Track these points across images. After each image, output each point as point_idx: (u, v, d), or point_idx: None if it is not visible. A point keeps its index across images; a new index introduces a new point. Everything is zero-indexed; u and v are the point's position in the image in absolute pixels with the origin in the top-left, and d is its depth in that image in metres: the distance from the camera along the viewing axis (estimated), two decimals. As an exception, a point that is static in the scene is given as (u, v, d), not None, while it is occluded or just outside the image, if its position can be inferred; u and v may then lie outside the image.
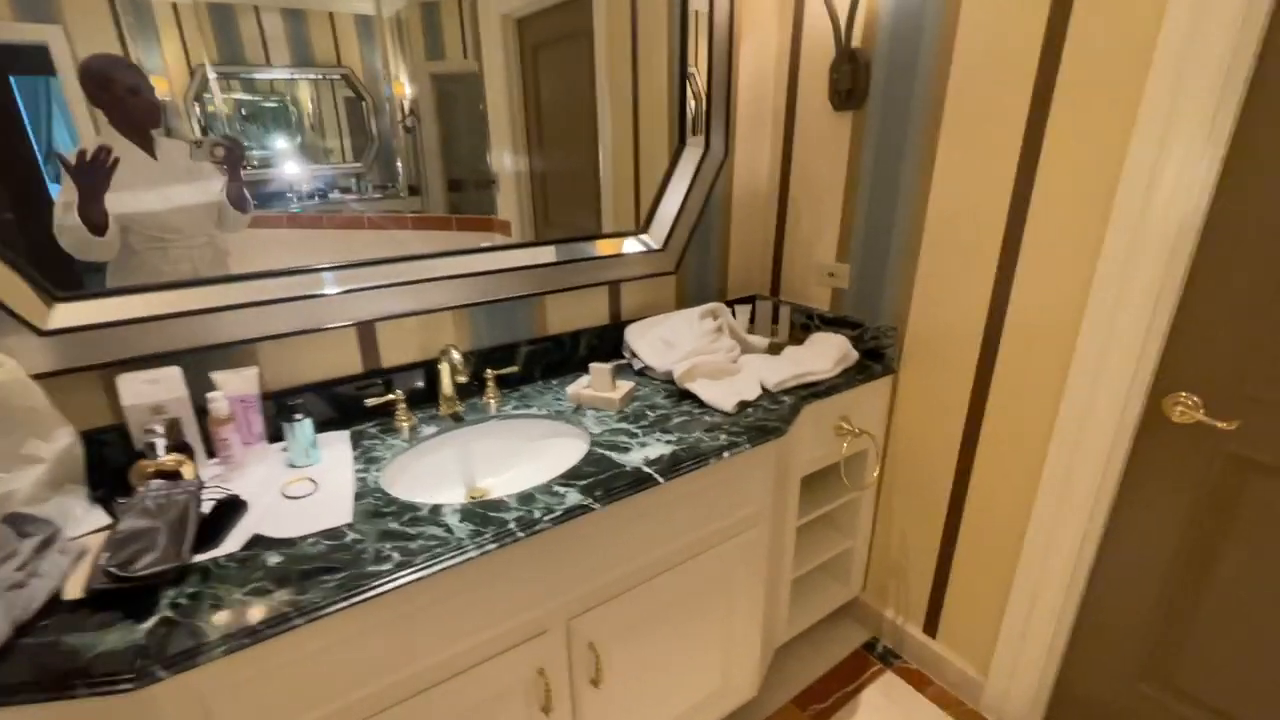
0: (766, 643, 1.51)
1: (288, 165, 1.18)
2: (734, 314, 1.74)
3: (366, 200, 1.27)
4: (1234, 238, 1.05)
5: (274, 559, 0.85)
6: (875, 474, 1.57)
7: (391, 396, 1.25)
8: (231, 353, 1.14)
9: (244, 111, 1.12)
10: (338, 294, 1.20)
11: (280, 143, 1.16)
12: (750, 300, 1.78)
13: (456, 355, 1.22)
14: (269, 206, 1.18)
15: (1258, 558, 1.12)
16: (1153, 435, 1.20)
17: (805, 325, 1.78)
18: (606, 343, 1.61)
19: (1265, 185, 1.01)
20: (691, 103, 1.58)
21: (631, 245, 1.60)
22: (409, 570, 0.83)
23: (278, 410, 1.16)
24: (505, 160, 1.43)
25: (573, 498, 0.99)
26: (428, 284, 1.30)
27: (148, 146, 1.04)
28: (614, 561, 1.09)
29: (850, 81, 1.49)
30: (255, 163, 1.15)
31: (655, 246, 1.60)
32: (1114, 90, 1.09)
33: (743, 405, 1.32)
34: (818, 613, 1.73)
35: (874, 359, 1.60)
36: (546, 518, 0.94)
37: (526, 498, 1.00)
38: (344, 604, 0.78)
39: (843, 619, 1.86)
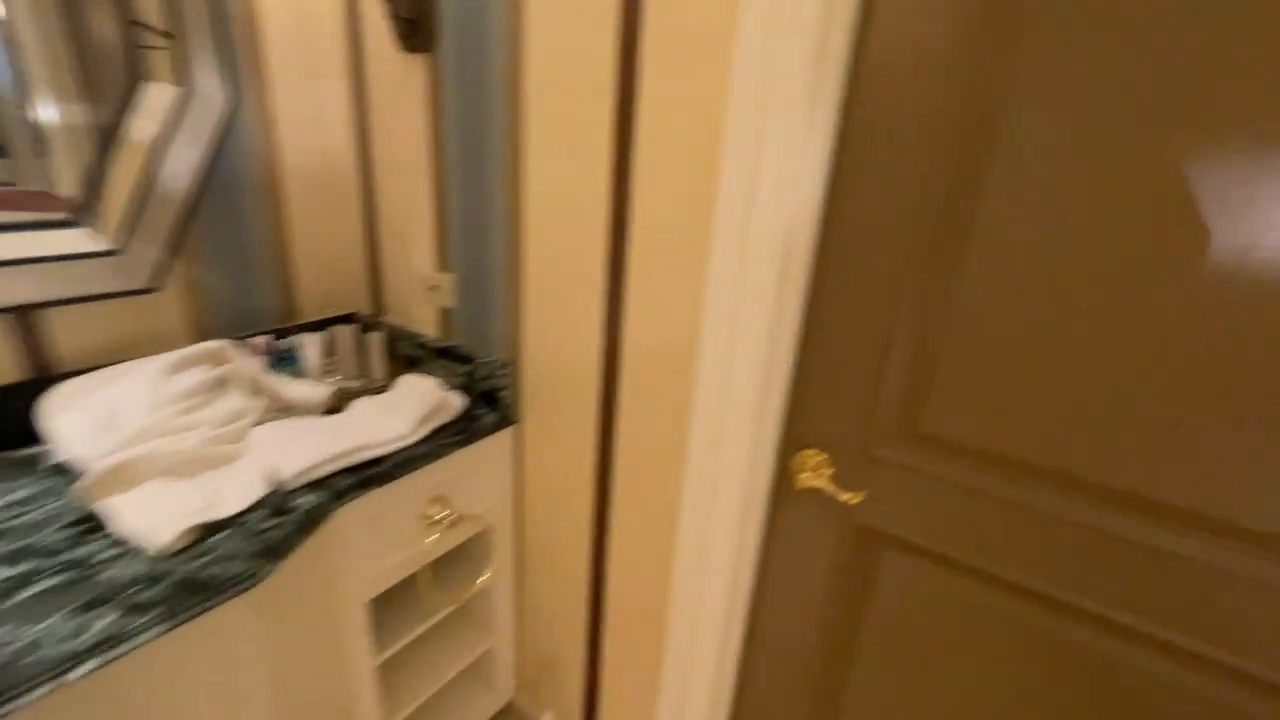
0: None
1: None
2: (290, 349, 1.17)
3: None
4: (851, 252, 0.80)
5: None
6: (487, 576, 1.15)
7: None
8: None
9: None
10: None
11: None
12: (321, 327, 1.23)
13: None
14: None
15: (894, 645, 0.93)
16: (785, 501, 0.95)
17: (414, 359, 1.29)
18: (18, 412, 0.93)
19: (872, 187, 0.76)
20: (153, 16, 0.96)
21: (70, 243, 0.94)
22: None
23: None
24: (51, 111, 0.90)
25: None
26: None
27: None
28: None
29: (412, 7, 1.01)
30: None
31: (105, 247, 0.95)
32: (705, 43, 0.77)
33: (199, 531, 0.77)
34: (460, 735, 1.29)
35: (490, 405, 1.17)
36: None
37: None
38: None
39: (499, 728, 1.45)
